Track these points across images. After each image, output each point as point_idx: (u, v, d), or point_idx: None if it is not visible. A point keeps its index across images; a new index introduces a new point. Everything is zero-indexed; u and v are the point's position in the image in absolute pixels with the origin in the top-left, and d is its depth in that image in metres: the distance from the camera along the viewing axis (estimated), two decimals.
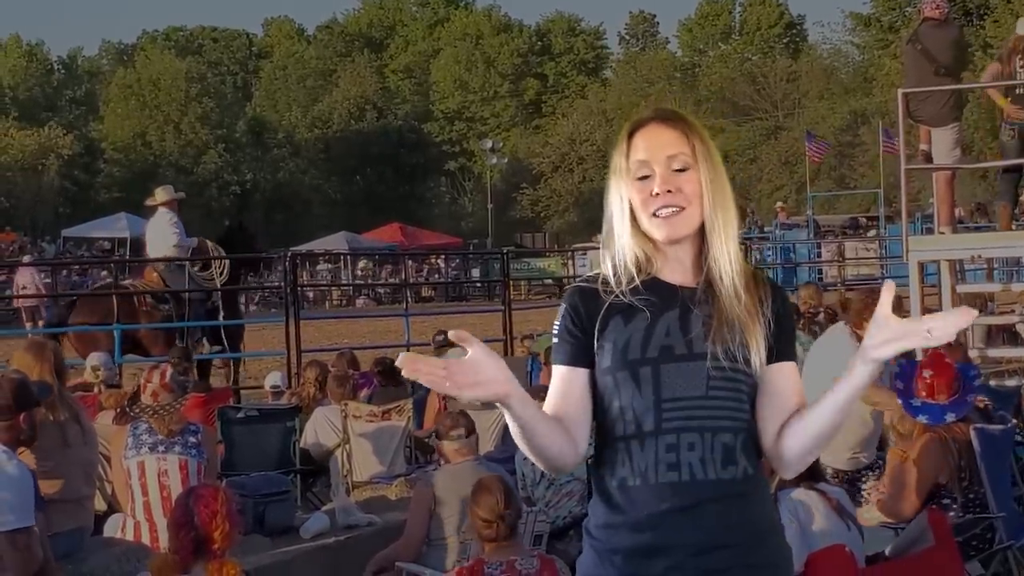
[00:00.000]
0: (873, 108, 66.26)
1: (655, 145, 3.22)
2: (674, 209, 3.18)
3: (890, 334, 2.99)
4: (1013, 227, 14.62)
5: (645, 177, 3.21)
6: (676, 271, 3.26)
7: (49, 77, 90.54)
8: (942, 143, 13.59)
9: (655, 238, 3.22)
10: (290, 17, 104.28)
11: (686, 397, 3.13)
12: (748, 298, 3.21)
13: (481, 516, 6.20)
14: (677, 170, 3.20)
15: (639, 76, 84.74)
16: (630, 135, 3.27)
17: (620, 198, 3.26)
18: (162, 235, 16.89)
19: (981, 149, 48.74)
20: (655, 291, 3.22)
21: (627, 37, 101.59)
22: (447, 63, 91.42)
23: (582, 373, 3.23)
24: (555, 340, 3.28)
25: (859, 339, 8.37)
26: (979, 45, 57.02)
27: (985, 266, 17.84)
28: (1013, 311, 16.87)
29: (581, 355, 3.23)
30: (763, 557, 3.22)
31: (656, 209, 3.19)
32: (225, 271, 17.20)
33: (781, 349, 3.25)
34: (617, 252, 3.26)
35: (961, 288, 13.85)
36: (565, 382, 3.23)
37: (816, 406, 3.15)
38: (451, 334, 2.95)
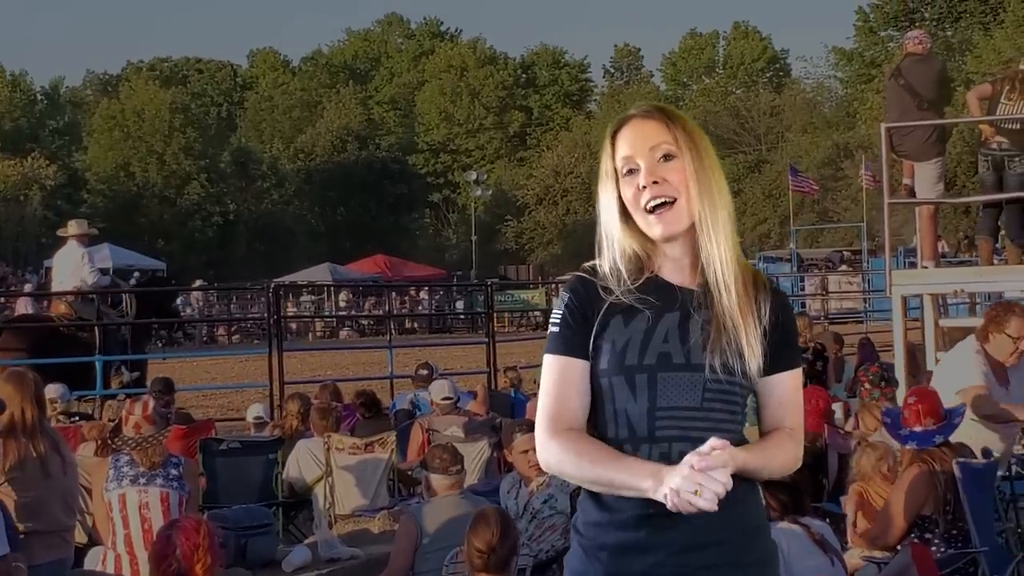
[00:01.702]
0: (856, 142, 66.50)
1: (637, 139, 3.24)
2: (664, 201, 3.17)
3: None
4: (994, 262, 14.62)
5: (632, 171, 3.22)
6: (675, 270, 3.26)
7: (32, 107, 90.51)
8: (925, 177, 13.61)
9: (651, 236, 3.21)
10: (275, 48, 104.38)
11: (681, 407, 3.13)
12: (744, 296, 3.20)
13: (476, 546, 6.16)
14: (662, 160, 3.20)
15: (623, 109, 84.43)
16: (613, 136, 3.29)
17: (609, 200, 3.26)
18: (72, 267, 17.18)
19: (964, 183, 48.92)
20: (655, 291, 3.21)
21: (612, 70, 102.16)
22: (432, 95, 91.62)
23: (582, 365, 3.21)
24: (554, 329, 3.25)
25: (985, 354, 8.49)
26: (961, 80, 57.23)
27: (968, 300, 17.82)
28: None
29: (582, 346, 3.21)
30: (751, 555, 3.24)
31: (647, 203, 3.18)
32: (132, 309, 17.73)
33: (779, 358, 3.25)
34: (610, 256, 3.26)
35: (944, 322, 13.87)
36: (566, 373, 3.22)
37: None
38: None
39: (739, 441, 3.20)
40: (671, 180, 3.18)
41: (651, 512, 3.11)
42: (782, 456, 3.23)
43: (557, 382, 3.22)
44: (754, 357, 3.18)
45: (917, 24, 68.40)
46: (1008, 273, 13.53)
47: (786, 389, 3.28)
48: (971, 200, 20.87)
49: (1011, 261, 13.71)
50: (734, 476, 3.08)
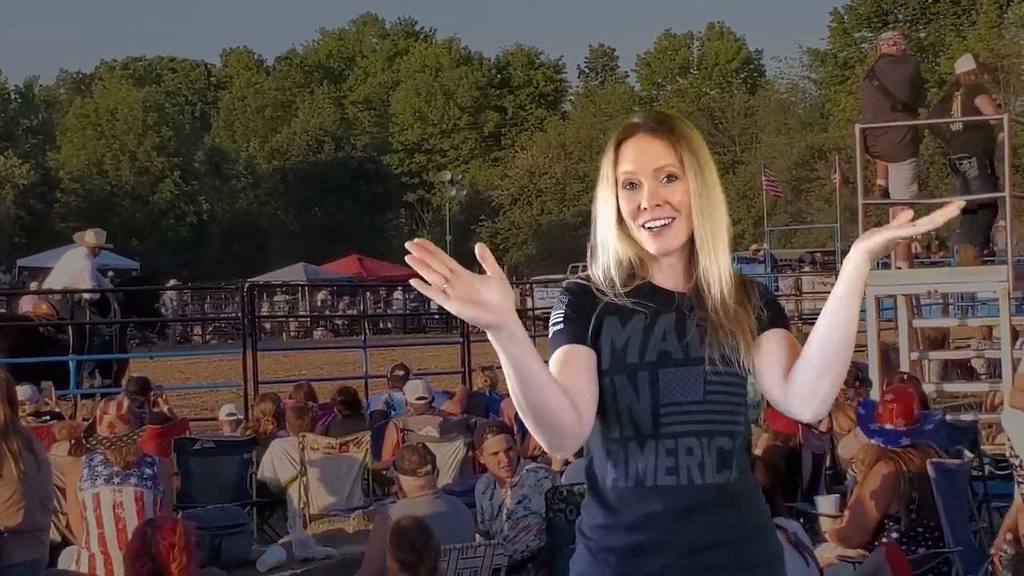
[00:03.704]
0: (830, 143, 66.64)
1: (643, 157, 3.20)
2: (663, 222, 3.17)
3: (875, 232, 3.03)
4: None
5: (632, 186, 3.20)
6: (669, 276, 3.26)
7: (6, 106, 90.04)
8: (899, 178, 13.67)
9: (646, 249, 3.22)
10: (249, 48, 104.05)
11: (684, 402, 3.14)
12: (736, 301, 3.22)
13: (399, 559, 6.08)
14: (665, 181, 3.19)
15: (598, 109, 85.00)
16: (617, 144, 3.25)
17: (607, 205, 3.25)
18: (69, 272, 17.19)
19: (936, 184, 49.10)
20: (650, 296, 3.22)
21: (586, 71, 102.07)
22: (406, 95, 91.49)
23: (587, 351, 3.18)
24: (557, 326, 3.22)
25: None
26: (935, 82, 57.46)
27: (941, 301, 17.91)
28: (968, 346, 16.96)
29: (586, 336, 3.19)
30: (756, 555, 3.25)
31: (645, 222, 3.18)
32: (117, 314, 17.82)
33: (771, 319, 3.25)
34: (604, 262, 3.26)
35: (917, 323, 13.93)
36: (569, 356, 3.16)
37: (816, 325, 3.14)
38: (477, 248, 2.85)
39: (744, 433, 3.25)
40: (673, 201, 3.18)
41: (658, 511, 3.15)
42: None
43: (557, 364, 3.16)
44: (748, 354, 3.19)
45: (890, 25, 68.57)
46: (980, 274, 13.61)
47: (788, 338, 3.25)
48: (945, 201, 20.94)
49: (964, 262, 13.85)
50: (743, 480, 3.19)
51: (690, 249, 3.24)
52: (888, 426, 7.41)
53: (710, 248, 3.20)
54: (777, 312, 3.30)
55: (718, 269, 3.21)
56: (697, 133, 3.28)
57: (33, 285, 38.91)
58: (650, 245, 3.20)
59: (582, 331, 3.19)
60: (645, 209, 3.18)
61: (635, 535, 3.17)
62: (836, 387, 3.16)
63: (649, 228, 3.18)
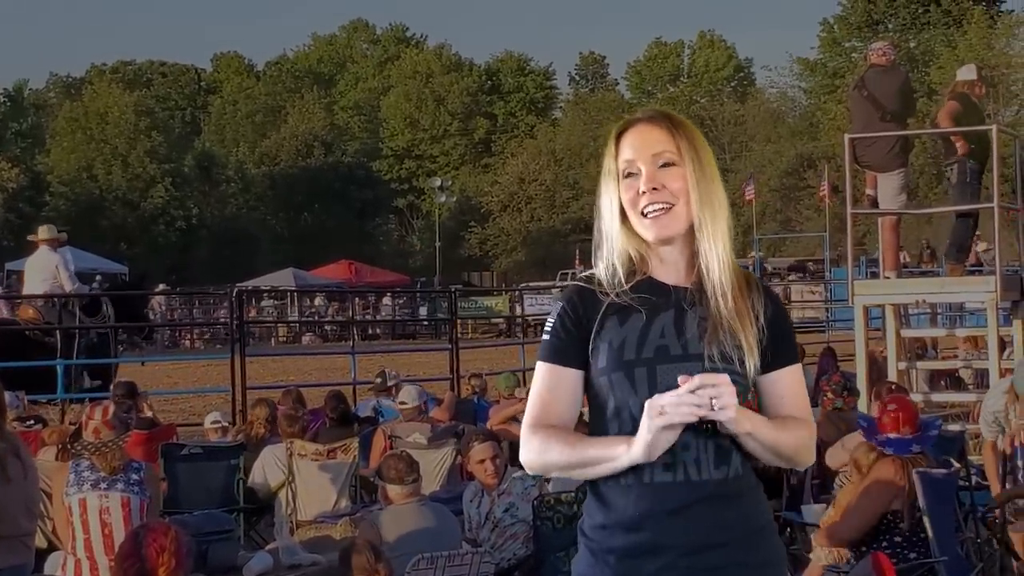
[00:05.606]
0: (819, 152, 66.70)
1: (641, 144, 3.26)
2: (662, 207, 3.21)
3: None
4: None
5: (632, 175, 3.24)
6: (670, 271, 3.28)
7: None
8: (888, 188, 13.68)
9: (646, 238, 3.24)
10: (239, 53, 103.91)
11: None
12: (739, 299, 3.22)
13: None
14: (663, 167, 3.23)
15: (588, 117, 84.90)
16: (618, 137, 3.30)
17: (610, 200, 3.29)
18: (44, 273, 17.22)
19: (926, 194, 49.20)
20: (650, 291, 3.24)
21: (577, 78, 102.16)
22: (397, 101, 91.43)
23: (572, 374, 3.24)
24: (547, 336, 3.27)
25: None
26: (924, 92, 57.56)
27: (929, 311, 17.93)
28: (956, 356, 16.97)
29: (574, 354, 3.24)
30: (757, 556, 3.24)
31: (644, 207, 3.21)
32: (110, 318, 17.93)
33: (777, 355, 3.27)
34: (608, 255, 3.28)
35: (905, 332, 13.94)
36: (555, 380, 3.25)
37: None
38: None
39: None
40: (671, 187, 3.22)
41: (658, 510, 3.15)
42: (795, 434, 3.24)
43: (545, 389, 3.26)
44: (751, 354, 3.19)
45: (881, 35, 68.68)
46: (968, 284, 13.63)
47: (788, 384, 3.29)
48: (934, 211, 21.01)
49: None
50: (744, 477, 3.20)
51: (690, 242, 3.26)
52: (894, 435, 7.41)
53: (709, 232, 3.23)
54: (782, 340, 3.31)
55: (717, 253, 3.23)
56: (696, 129, 3.34)
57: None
58: (649, 232, 3.23)
59: (571, 347, 3.24)
60: (644, 193, 3.21)
61: (633, 535, 3.18)
62: (792, 456, 3.28)
63: (647, 215, 3.21)
